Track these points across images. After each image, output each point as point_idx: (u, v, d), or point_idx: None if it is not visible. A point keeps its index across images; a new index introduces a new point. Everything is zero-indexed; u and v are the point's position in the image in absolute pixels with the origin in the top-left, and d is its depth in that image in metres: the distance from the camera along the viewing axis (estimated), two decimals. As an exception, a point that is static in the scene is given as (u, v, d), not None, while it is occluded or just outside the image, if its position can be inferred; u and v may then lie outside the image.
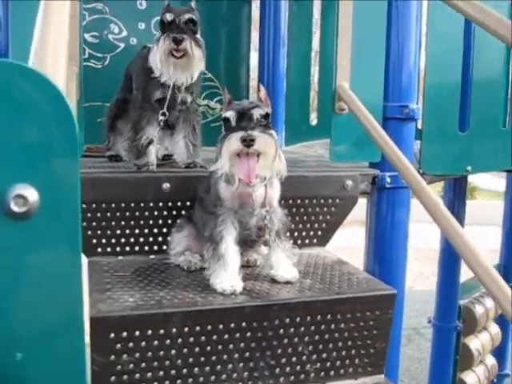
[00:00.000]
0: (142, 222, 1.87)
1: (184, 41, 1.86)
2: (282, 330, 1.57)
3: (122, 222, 1.85)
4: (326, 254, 2.03)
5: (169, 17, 1.89)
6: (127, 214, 1.85)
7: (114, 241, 1.86)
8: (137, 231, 1.87)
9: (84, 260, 1.80)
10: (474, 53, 2.13)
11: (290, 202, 1.98)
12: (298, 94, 3.20)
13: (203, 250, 1.69)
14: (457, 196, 3.08)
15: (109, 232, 1.84)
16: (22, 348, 0.76)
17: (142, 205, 1.86)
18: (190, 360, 1.49)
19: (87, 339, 1.34)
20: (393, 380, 1.78)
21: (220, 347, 1.52)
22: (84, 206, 1.79)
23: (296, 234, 2.02)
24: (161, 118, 1.97)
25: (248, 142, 1.48)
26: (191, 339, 1.48)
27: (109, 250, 1.85)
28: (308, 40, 3.17)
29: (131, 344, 1.42)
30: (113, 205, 1.83)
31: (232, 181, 1.57)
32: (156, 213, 1.88)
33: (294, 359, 1.60)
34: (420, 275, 6.62)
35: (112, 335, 1.41)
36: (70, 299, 0.77)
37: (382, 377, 1.71)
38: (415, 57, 2.03)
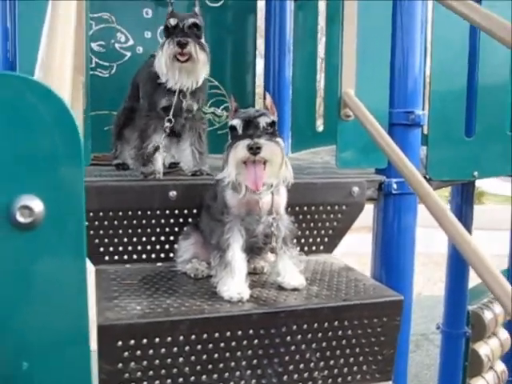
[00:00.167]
0: (148, 230, 1.88)
1: (188, 44, 1.87)
2: (289, 337, 1.57)
3: (129, 230, 1.86)
4: (332, 260, 2.03)
5: (173, 21, 1.90)
6: (134, 222, 1.86)
7: (121, 249, 1.86)
8: (144, 239, 1.88)
9: (91, 268, 1.81)
10: (480, 58, 2.13)
11: (297, 208, 1.98)
12: (304, 101, 3.21)
13: (210, 257, 1.69)
14: (464, 201, 3.07)
15: (116, 240, 1.85)
16: (29, 356, 0.77)
17: (148, 213, 1.87)
18: (198, 368, 1.49)
19: (94, 347, 1.34)
20: (401, 386, 1.78)
21: (227, 355, 1.52)
22: (91, 214, 1.80)
23: (303, 240, 2.02)
24: (166, 124, 1.97)
25: (254, 150, 1.48)
26: (198, 347, 1.48)
27: (116, 258, 1.86)
28: (313, 47, 3.18)
29: (139, 352, 1.42)
30: (120, 213, 1.84)
31: (239, 189, 1.57)
32: (163, 221, 1.89)
33: (301, 366, 1.59)
34: (428, 281, 6.59)
35: (119, 343, 1.41)
36: (76, 308, 0.78)
37: (390, 383, 1.70)
38: (420, 62, 2.04)
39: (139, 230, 1.87)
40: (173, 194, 1.88)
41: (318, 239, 2.05)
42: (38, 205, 0.72)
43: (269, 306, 1.56)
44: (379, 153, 1.71)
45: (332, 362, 1.63)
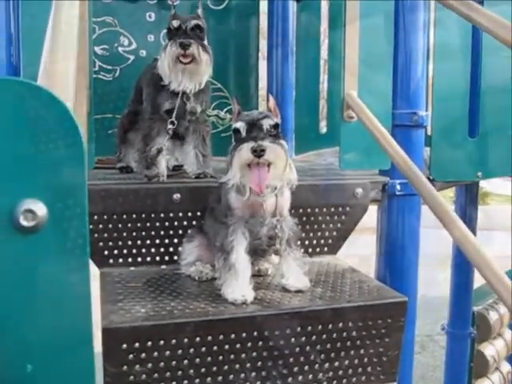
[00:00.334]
0: (153, 233, 1.88)
1: (191, 46, 1.87)
2: (293, 339, 1.57)
3: (134, 233, 1.86)
4: (336, 262, 2.03)
5: (175, 23, 1.90)
6: (138, 224, 1.86)
7: (125, 252, 1.86)
8: (148, 242, 1.88)
9: (96, 271, 1.81)
10: (483, 58, 2.12)
11: (301, 210, 1.98)
12: (308, 103, 3.21)
13: (214, 259, 1.69)
14: (468, 201, 3.06)
15: (120, 243, 1.85)
16: (33, 359, 0.77)
17: (152, 215, 1.87)
18: (203, 370, 1.50)
19: (99, 349, 1.35)
20: (406, 388, 1.77)
21: (232, 357, 1.52)
22: (95, 217, 1.80)
23: (307, 242, 2.02)
24: (169, 126, 1.97)
25: (258, 153, 1.48)
26: (203, 349, 1.49)
27: (120, 260, 1.86)
28: (316, 49, 3.18)
29: (143, 354, 1.43)
30: (124, 216, 1.84)
31: (243, 191, 1.57)
32: (167, 223, 1.89)
33: (306, 368, 1.60)
34: (433, 281, 6.57)
35: (124, 346, 1.41)
36: (79, 311, 0.78)
37: (395, 384, 1.71)
38: (423, 63, 2.03)
39: (143, 233, 1.87)
40: (177, 196, 1.88)
41: (322, 241, 2.05)
42: (41, 208, 0.73)
43: (273, 307, 1.57)
44: (382, 154, 1.71)
45: (337, 364, 1.63)
